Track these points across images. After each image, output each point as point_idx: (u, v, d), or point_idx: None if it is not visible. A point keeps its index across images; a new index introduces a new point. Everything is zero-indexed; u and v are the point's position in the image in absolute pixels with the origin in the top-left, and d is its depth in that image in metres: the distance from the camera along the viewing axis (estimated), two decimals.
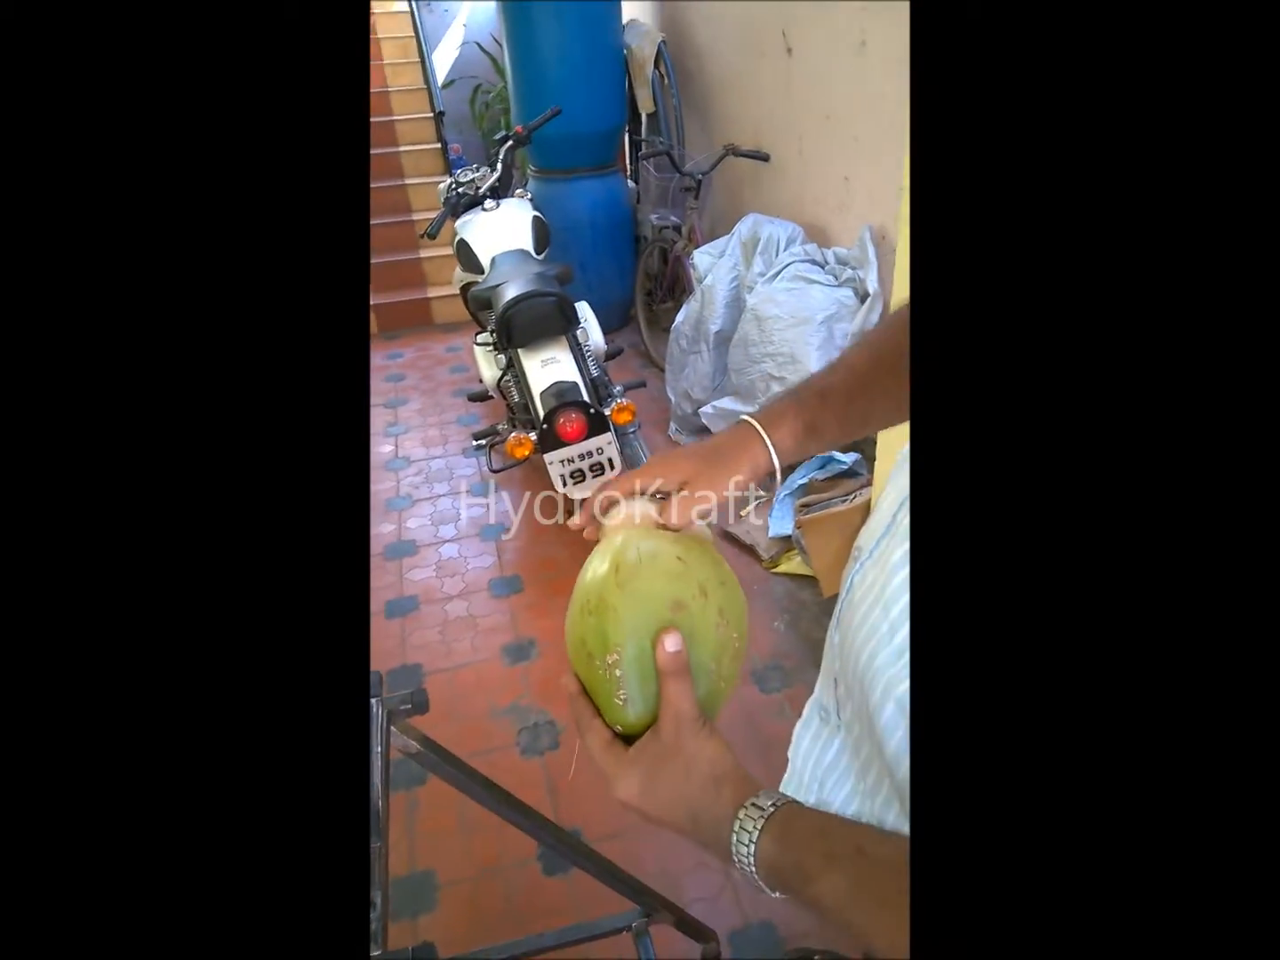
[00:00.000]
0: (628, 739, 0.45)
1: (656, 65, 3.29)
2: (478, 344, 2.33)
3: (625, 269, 3.49)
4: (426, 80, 4.59)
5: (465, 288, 2.52)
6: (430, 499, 2.58)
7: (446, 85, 5.47)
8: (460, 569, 2.25)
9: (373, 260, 4.07)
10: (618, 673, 0.43)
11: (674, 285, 3.17)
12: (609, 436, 1.97)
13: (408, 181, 4.37)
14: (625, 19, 3.37)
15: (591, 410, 1.95)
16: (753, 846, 0.39)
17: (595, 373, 2.14)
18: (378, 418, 3.11)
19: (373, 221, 4.18)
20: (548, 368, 1.98)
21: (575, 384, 1.97)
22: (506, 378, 2.16)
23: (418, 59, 4.67)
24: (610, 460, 1.99)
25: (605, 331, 2.43)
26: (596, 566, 0.47)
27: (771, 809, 0.40)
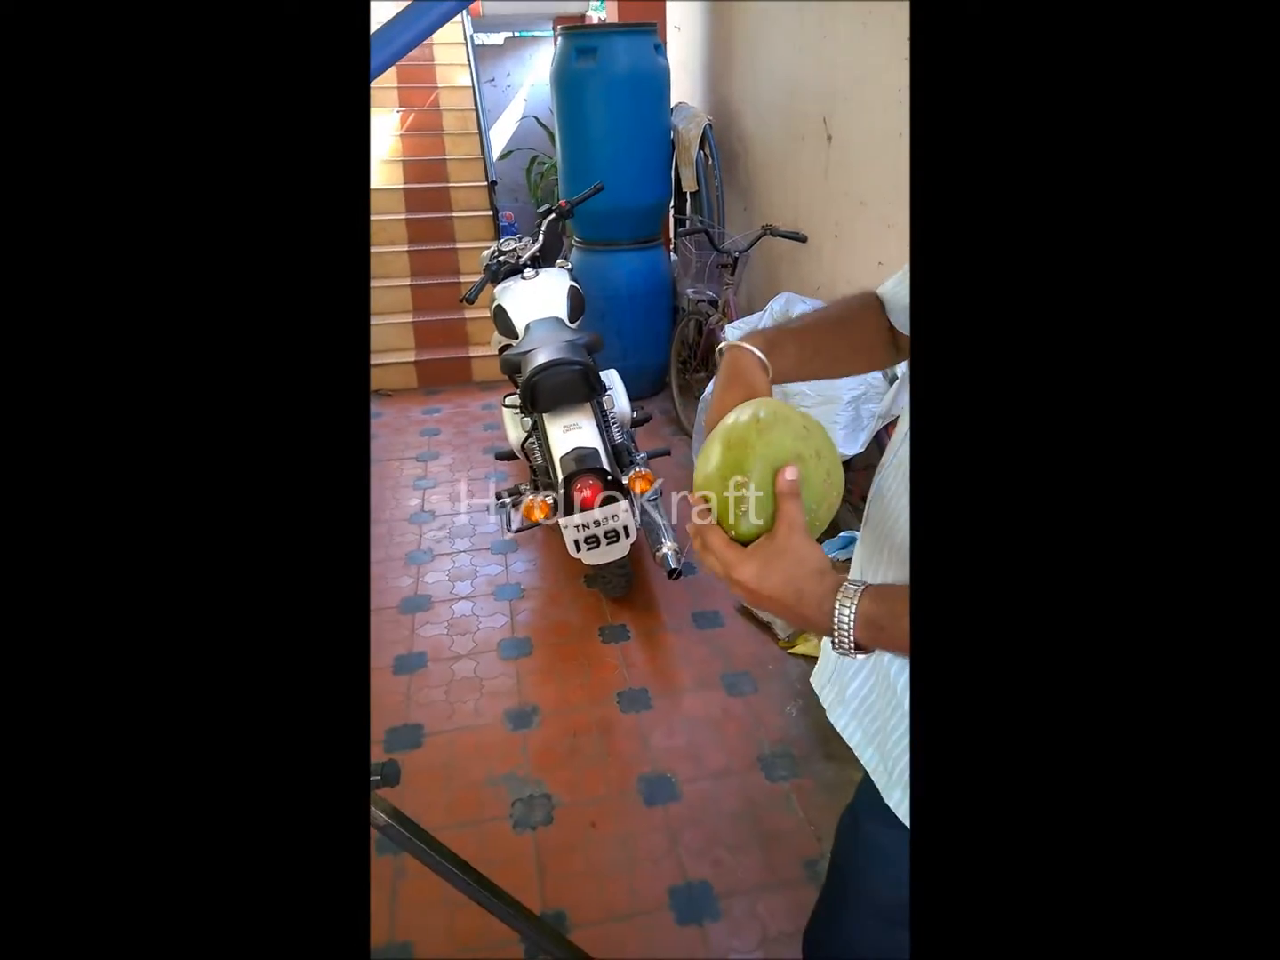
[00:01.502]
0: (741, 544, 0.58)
1: (702, 146, 3.40)
2: (505, 405, 2.37)
3: (661, 338, 3.55)
4: (483, 151, 4.81)
5: (502, 350, 2.58)
6: (450, 554, 2.60)
7: (504, 156, 5.74)
8: (472, 628, 2.24)
9: (419, 318, 4.21)
10: (743, 492, 0.56)
11: (707, 356, 3.21)
12: (625, 504, 1.97)
13: (458, 245, 4.54)
14: (674, 101, 3.51)
15: (609, 477, 1.95)
16: (854, 609, 0.53)
17: (619, 439, 2.16)
18: (407, 471, 3.17)
19: (422, 282, 4.34)
20: (569, 433, 2.01)
21: (595, 450, 1.98)
22: (531, 440, 2.18)
23: (476, 131, 4.92)
24: (625, 528, 1.99)
25: (638, 397, 2.46)
26: (739, 418, 0.59)
27: (863, 585, 0.54)
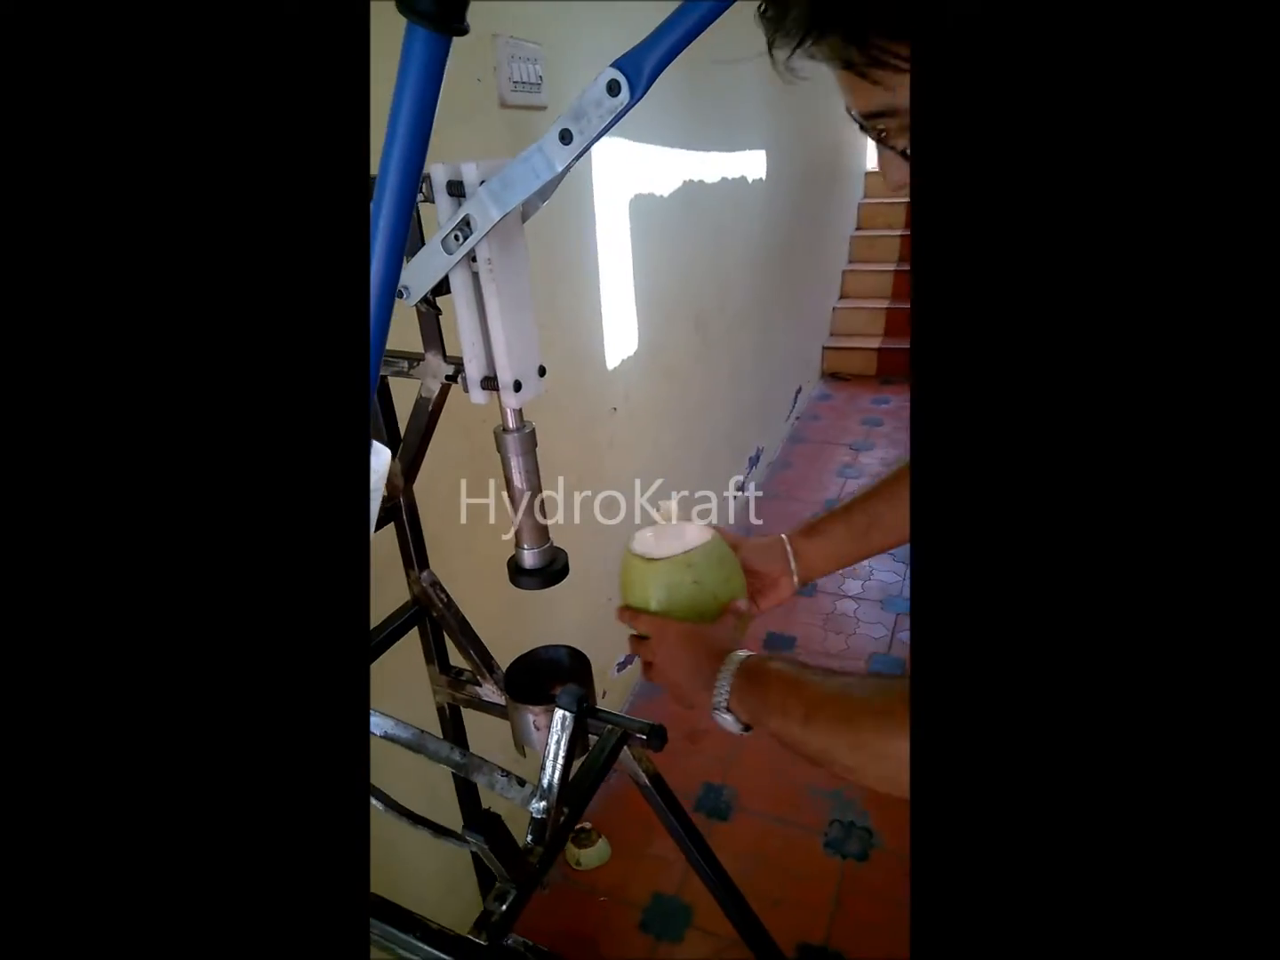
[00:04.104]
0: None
1: None
2: None
3: None
4: None
5: None
6: None
7: None
8: (849, 629, 2.15)
9: (895, 305, 4.09)
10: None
11: None
12: None
13: None
14: None
15: None
16: (725, 711, 0.60)
17: None
18: (836, 455, 3.14)
19: (888, 268, 4.19)
20: None
21: None
22: None
23: None
24: None
25: None
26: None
27: (728, 691, 0.60)
